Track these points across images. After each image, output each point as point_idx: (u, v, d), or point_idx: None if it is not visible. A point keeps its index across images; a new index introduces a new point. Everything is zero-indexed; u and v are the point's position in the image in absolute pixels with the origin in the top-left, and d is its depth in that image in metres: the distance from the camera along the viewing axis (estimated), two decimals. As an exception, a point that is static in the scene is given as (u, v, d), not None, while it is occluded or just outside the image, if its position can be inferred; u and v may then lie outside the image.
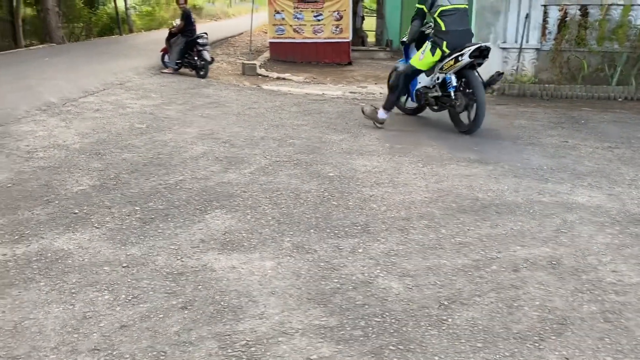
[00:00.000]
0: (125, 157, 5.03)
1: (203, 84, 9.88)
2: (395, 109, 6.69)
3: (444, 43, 5.66)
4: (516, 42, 8.94)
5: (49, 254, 3.09)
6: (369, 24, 18.95)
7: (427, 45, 5.85)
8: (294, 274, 2.91)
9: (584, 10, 8.71)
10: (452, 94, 5.77)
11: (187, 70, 11.11)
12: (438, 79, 6.01)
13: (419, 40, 6.24)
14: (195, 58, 10.74)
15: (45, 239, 3.28)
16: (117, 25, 23.21)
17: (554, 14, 8.87)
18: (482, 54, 5.63)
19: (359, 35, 16.04)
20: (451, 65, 5.70)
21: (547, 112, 7.42)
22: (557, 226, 3.58)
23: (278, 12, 13.68)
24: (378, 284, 2.83)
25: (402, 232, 3.47)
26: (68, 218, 3.61)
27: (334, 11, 13.24)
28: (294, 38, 13.75)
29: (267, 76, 11.63)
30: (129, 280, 2.82)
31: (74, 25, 22.48)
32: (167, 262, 3.01)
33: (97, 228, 3.46)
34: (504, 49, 9.03)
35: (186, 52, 10.87)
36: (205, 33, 10.90)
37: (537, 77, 8.97)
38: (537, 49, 8.93)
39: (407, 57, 6.51)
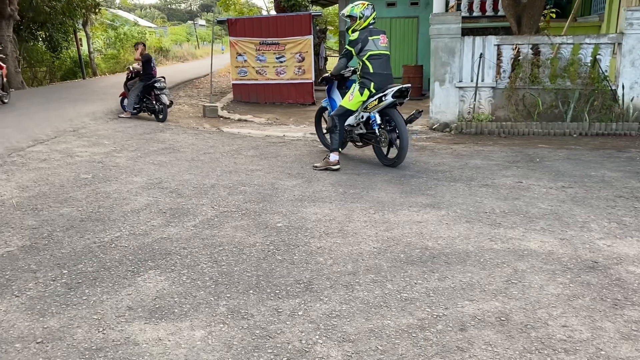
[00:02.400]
0: (63, 212, 4.77)
1: (160, 128, 9.69)
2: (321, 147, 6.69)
3: (372, 84, 6.13)
4: (472, 80, 9.05)
5: (-45, 331, 2.80)
6: (333, 63, 19.15)
7: (355, 86, 6.30)
8: (225, 345, 2.69)
9: (536, 49, 8.89)
10: (377, 130, 6.29)
11: (146, 115, 10.94)
12: (362, 117, 6.44)
13: (339, 83, 6.96)
14: (154, 102, 10.60)
15: (-45, 313, 2.99)
16: (81, 68, 22.99)
17: (507, 53, 9.03)
18: (402, 94, 6.10)
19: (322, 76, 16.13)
20: (375, 105, 6.17)
21: (504, 151, 7.43)
22: (508, 276, 3.45)
23: (240, 54, 13.71)
24: (315, 353, 2.62)
25: (346, 288, 3.28)
26: (-14, 286, 3.32)
27: (296, 53, 13.32)
28: (256, 79, 13.76)
29: (229, 118, 11.52)
30: (40, 359, 2.55)
31: (36, 69, 22.18)
32: (86, 336, 2.76)
33: (17, 297, 3.19)
34: (460, 87, 9.11)
35: (144, 96, 10.72)
36: (163, 77, 10.77)
37: (494, 115, 9.05)
38: (492, 87, 9.04)
39: (329, 95, 7.11)
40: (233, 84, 14.36)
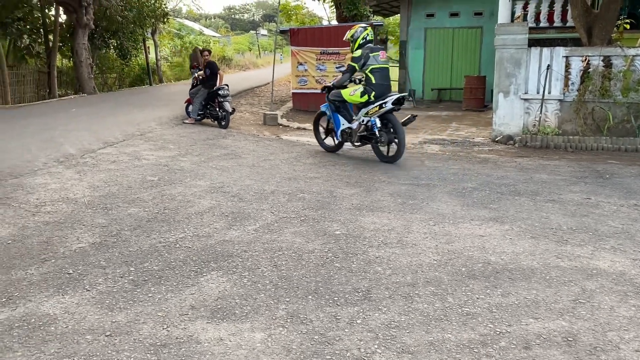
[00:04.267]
0: (131, 212, 4.97)
1: (223, 135, 9.95)
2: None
3: (373, 93, 7.16)
4: (538, 93, 8.78)
5: (33, 320, 2.97)
6: (392, 73, 19.06)
7: (360, 87, 7.26)
8: (284, 348, 2.71)
9: (608, 61, 8.53)
10: (377, 132, 7.16)
11: (209, 121, 11.26)
12: (364, 121, 7.28)
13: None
14: (217, 109, 10.90)
15: (32, 302, 3.17)
16: (148, 75, 23.97)
17: (576, 65, 8.71)
18: (399, 102, 7.05)
19: (381, 85, 16.09)
20: (376, 111, 7.08)
21: (571, 166, 7.15)
22: (576, 296, 3.30)
23: (301, 64, 13.89)
24: (373, 362, 2.60)
25: (406, 299, 3.24)
26: (61, 279, 3.50)
27: (356, 62, 13.34)
28: (316, 88, 13.86)
29: (288, 126, 11.69)
30: (109, 351, 2.67)
31: (107, 75, 23.31)
32: (151, 332, 2.85)
33: (88, 291, 3.34)
34: (525, 99, 8.86)
35: (208, 103, 11.04)
36: (227, 85, 11.06)
37: (561, 129, 8.74)
38: (559, 100, 8.74)
39: (327, 97, 7.91)
40: (293, 93, 14.57)
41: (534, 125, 8.86)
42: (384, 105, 6.98)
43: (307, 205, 5.23)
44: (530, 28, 11.03)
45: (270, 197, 5.54)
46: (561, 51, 8.66)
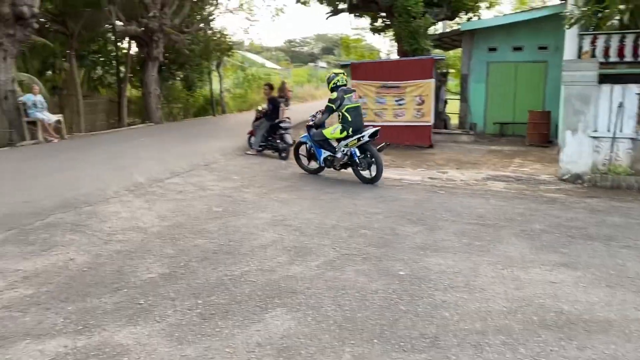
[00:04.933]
0: (198, 243, 5.10)
1: (283, 166, 10.11)
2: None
3: (350, 128, 8.40)
4: (608, 130, 8.45)
5: (107, 349, 3.07)
6: (453, 106, 18.91)
7: (338, 126, 8.51)
8: (350, 393, 2.68)
9: (686, 99, 8.12)
10: (358, 160, 8.44)
11: (270, 152, 11.48)
12: (345, 152, 8.49)
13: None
14: (278, 141, 11.12)
15: (107, 331, 3.29)
16: (211, 106, 24.83)
17: (651, 102, 8.33)
18: (373, 135, 8.32)
19: (441, 119, 15.99)
20: (355, 143, 8.34)
21: (646, 208, 6.79)
22: (660, 354, 3.10)
23: (360, 97, 13.99)
24: (444, 414, 2.52)
25: (475, 349, 3.14)
26: (132, 309, 3.62)
27: (416, 96, 13.34)
28: (374, 122, 13.90)
29: (347, 159, 11.71)
30: (179, 386, 2.71)
31: (172, 106, 24.31)
32: (220, 368, 2.89)
33: (158, 322, 3.44)
34: (594, 137, 8.54)
35: (270, 135, 11.29)
36: (288, 117, 11.29)
37: (633, 168, 8.34)
38: (632, 139, 8.36)
39: (309, 134, 9.04)
40: (352, 125, 14.67)
41: (604, 164, 8.50)
42: (361, 139, 8.26)
43: (369, 242, 5.20)
44: (599, 62, 10.70)
45: (332, 232, 5.55)
46: (634, 88, 8.33)
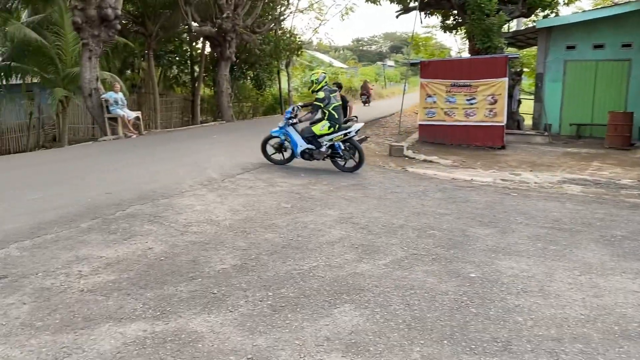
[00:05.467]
0: (268, 237, 5.22)
1: (350, 165, 10.11)
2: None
3: (337, 125, 9.07)
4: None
5: (183, 335, 3.20)
6: (526, 106, 18.24)
7: (326, 123, 9.07)
8: (420, 392, 2.66)
9: None
10: (341, 152, 9.20)
11: (336, 150, 11.51)
12: (329, 146, 9.16)
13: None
14: (345, 139, 11.13)
15: (182, 318, 3.43)
16: (280, 105, 25.26)
17: None
18: (358, 132, 9.14)
19: (514, 119, 15.47)
20: (340, 138, 9.07)
21: None
22: None
23: (430, 96, 13.79)
24: (517, 421, 2.45)
25: (550, 355, 3.03)
26: (206, 298, 3.76)
27: (488, 95, 12.98)
28: (444, 121, 13.68)
29: (414, 158, 11.59)
30: (251, 374, 2.79)
31: (243, 104, 24.96)
32: (289, 359, 2.94)
33: (231, 312, 3.55)
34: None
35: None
36: (356, 116, 11.30)
37: None
38: None
39: (279, 127, 9.53)
40: (420, 125, 14.48)
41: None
42: (348, 134, 9.02)
43: (438, 243, 5.12)
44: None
45: (399, 232, 5.51)
46: None
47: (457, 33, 21.93)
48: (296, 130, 9.48)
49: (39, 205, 6.09)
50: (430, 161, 11.17)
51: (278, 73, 25.90)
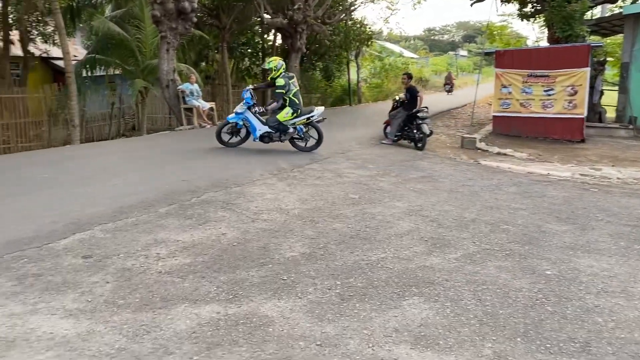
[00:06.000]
0: (336, 227, 5.24)
1: (419, 157, 9.98)
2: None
3: (299, 111, 9.54)
4: None
5: (254, 319, 3.29)
6: (609, 98, 17.20)
7: (289, 110, 9.47)
8: (491, 389, 2.59)
9: None
10: (302, 134, 9.81)
11: (405, 142, 11.39)
12: (291, 129, 9.67)
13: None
14: (415, 131, 10.97)
15: (254, 302, 3.52)
16: (349, 96, 25.23)
17: None
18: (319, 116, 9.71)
19: (595, 111, 14.62)
20: (303, 122, 9.65)
21: None
22: None
23: (505, 86, 13.32)
24: None
25: (634, 360, 2.87)
26: (277, 284, 3.84)
27: (568, 86, 12.37)
28: (519, 112, 13.17)
29: (487, 151, 11.26)
30: (320, 360, 2.83)
31: (311, 95, 25.14)
32: (358, 348, 2.96)
33: (300, 298, 3.61)
34: None
35: (406, 125, 11.19)
36: (426, 107, 11.09)
37: None
38: None
39: (237, 113, 9.89)
40: (493, 116, 14.03)
41: None
42: (310, 118, 9.61)
43: (512, 239, 4.96)
44: None
45: (471, 226, 5.38)
46: None
47: (535, 21, 20.97)
48: (254, 115, 9.76)
49: (121, 190, 6.42)
50: (505, 154, 10.81)
51: (347, 64, 25.85)
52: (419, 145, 10.86)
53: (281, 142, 9.90)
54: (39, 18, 18.82)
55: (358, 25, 24.58)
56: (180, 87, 14.59)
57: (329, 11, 22.23)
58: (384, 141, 11.56)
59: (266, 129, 9.76)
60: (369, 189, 7.02)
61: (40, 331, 3.03)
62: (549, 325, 3.25)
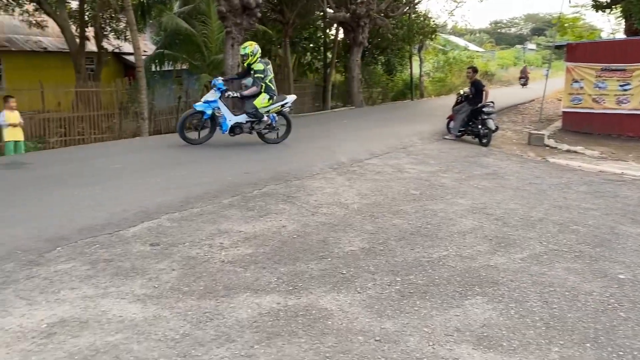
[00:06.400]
0: (395, 223, 5.19)
1: (483, 153, 9.72)
2: None
3: (274, 97, 9.21)
4: None
5: (314, 311, 3.31)
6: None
7: (266, 96, 9.08)
8: (558, 396, 2.49)
9: None
10: (274, 124, 9.41)
11: (469, 138, 11.12)
12: (265, 117, 9.24)
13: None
14: (479, 126, 10.68)
15: (313, 295, 3.55)
16: (410, 90, 24.87)
17: None
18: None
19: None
20: (277, 110, 9.31)
21: None
22: None
23: (576, 81, 12.73)
24: None
25: None
26: (336, 277, 3.84)
27: (646, 80, 11.65)
28: (592, 108, 12.57)
29: (556, 148, 10.83)
30: (379, 357, 2.81)
31: (372, 90, 24.97)
32: (418, 346, 2.92)
33: (359, 293, 3.60)
34: None
35: (471, 120, 10.91)
36: (492, 102, 10.77)
37: None
38: None
39: (207, 102, 9.07)
40: (563, 112, 13.45)
41: None
42: (285, 107, 9.32)
43: (582, 240, 4.74)
44: None
45: (538, 225, 5.18)
46: None
47: (612, 12, 19.87)
48: (224, 105, 9.19)
49: (186, 181, 6.63)
50: (575, 152, 10.35)
51: (410, 57, 25.47)
52: (484, 141, 10.57)
53: (250, 133, 9.45)
54: (112, 15, 19.66)
55: (422, 18, 24.13)
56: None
57: (392, 4, 21.96)
58: (446, 136, 11.33)
59: (237, 119, 9.24)
60: (431, 185, 6.90)
61: (110, 314, 3.18)
62: (622, 332, 3.09)
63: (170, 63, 18.64)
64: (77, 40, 18.38)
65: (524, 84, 30.47)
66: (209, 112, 9.05)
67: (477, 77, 11.44)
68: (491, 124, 10.49)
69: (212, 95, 9.09)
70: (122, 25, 19.86)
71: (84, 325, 3.03)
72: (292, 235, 4.75)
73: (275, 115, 9.40)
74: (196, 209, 5.36)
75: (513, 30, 66.97)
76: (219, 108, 9.08)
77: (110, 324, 3.06)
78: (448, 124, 11.64)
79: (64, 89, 16.41)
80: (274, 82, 9.32)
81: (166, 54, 17.76)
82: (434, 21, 24.89)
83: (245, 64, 9.35)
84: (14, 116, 9.37)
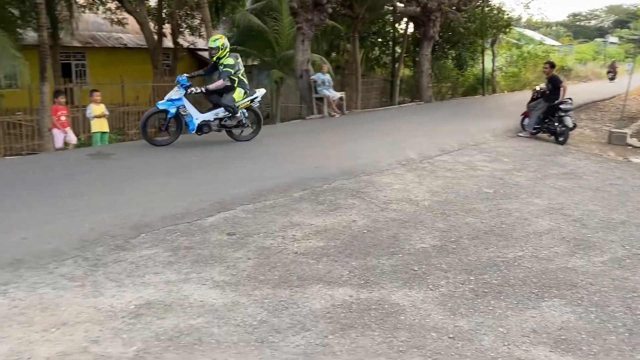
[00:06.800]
0: (468, 221, 5.12)
1: (560, 151, 9.35)
2: None
3: (247, 91, 8.90)
4: None
5: (386, 306, 3.35)
6: None
7: (241, 90, 8.78)
8: (643, 405, 2.40)
9: None
10: (244, 120, 9.03)
11: (544, 136, 10.72)
12: (238, 113, 8.88)
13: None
14: (556, 124, 10.28)
15: (385, 290, 3.58)
16: (482, 85, 24.20)
17: None
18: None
19: None
20: (247, 105, 8.99)
21: None
22: None
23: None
24: None
25: None
26: (407, 274, 3.86)
27: None
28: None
29: (639, 148, 10.23)
30: (452, 353, 2.81)
31: (441, 85, 24.50)
32: (492, 345, 2.89)
33: (432, 290, 3.59)
34: None
35: (547, 117, 10.51)
36: (570, 98, 10.32)
37: None
38: None
39: (171, 100, 8.44)
40: (649, 109, 12.67)
41: None
42: (255, 101, 9.08)
43: (670, 245, 4.49)
44: None
45: (620, 228, 4.96)
46: None
47: None
48: (190, 103, 8.70)
49: (257, 174, 6.81)
50: (660, 152, 9.75)
51: (482, 52, 24.75)
52: (560, 139, 10.16)
53: (219, 131, 9.01)
54: (188, 12, 20.40)
55: (495, 12, 23.37)
56: (312, 77, 15.01)
57: (465, -3, 21.43)
58: (521, 134, 10.96)
59: (204, 117, 8.76)
60: (505, 183, 6.73)
61: (192, 298, 3.35)
62: None
63: (242, 59, 19.09)
64: (155, 36, 19.21)
65: (612, 79, 29.74)
66: (173, 110, 8.46)
67: (554, 72, 10.98)
68: (569, 121, 10.06)
69: (175, 93, 8.49)
70: (196, 22, 20.56)
71: (168, 308, 3.22)
72: (362, 230, 4.79)
73: (244, 110, 9.04)
74: (269, 202, 5.51)
75: (593, 22, 63.52)
76: (184, 106, 8.53)
77: (192, 308, 3.23)
78: (522, 120, 11.26)
79: (142, 83, 17.22)
80: (245, 76, 9.05)
81: (239, 50, 18.21)
82: (508, 14, 24.06)
83: (214, 58, 8.86)
84: (100, 108, 9.93)
